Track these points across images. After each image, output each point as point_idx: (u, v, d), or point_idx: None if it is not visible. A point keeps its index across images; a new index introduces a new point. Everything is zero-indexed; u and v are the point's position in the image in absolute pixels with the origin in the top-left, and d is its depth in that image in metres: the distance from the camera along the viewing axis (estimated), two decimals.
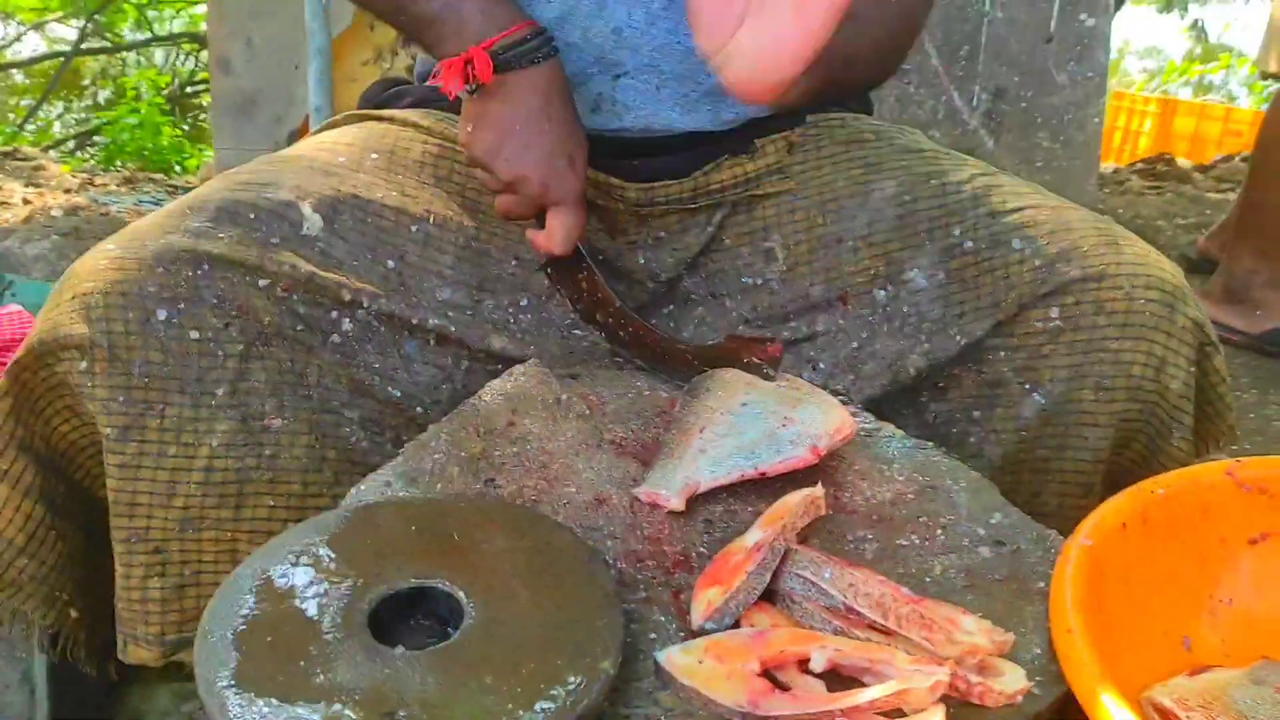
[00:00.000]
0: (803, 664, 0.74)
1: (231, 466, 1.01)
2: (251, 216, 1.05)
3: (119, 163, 5.55)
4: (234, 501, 1.02)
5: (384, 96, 1.29)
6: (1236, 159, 3.96)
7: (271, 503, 1.04)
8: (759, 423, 0.97)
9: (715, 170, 1.17)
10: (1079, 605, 0.79)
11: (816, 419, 0.96)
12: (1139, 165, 4.06)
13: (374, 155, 1.15)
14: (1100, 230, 1.09)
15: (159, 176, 4.21)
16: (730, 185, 1.17)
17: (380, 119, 1.21)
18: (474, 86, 1.02)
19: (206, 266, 1.01)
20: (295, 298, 1.04)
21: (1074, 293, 1.06)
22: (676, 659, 0.74)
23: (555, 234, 1.08)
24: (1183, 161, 4.18)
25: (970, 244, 1.12)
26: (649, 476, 0.94)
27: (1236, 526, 0.92)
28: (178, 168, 6.17)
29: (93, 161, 5.83)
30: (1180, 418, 1.07)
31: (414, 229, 1.12)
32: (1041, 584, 0.84)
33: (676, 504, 0.91)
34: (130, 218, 2.84)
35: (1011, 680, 0.74)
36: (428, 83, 1.11)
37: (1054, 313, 1.07)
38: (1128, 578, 0.86)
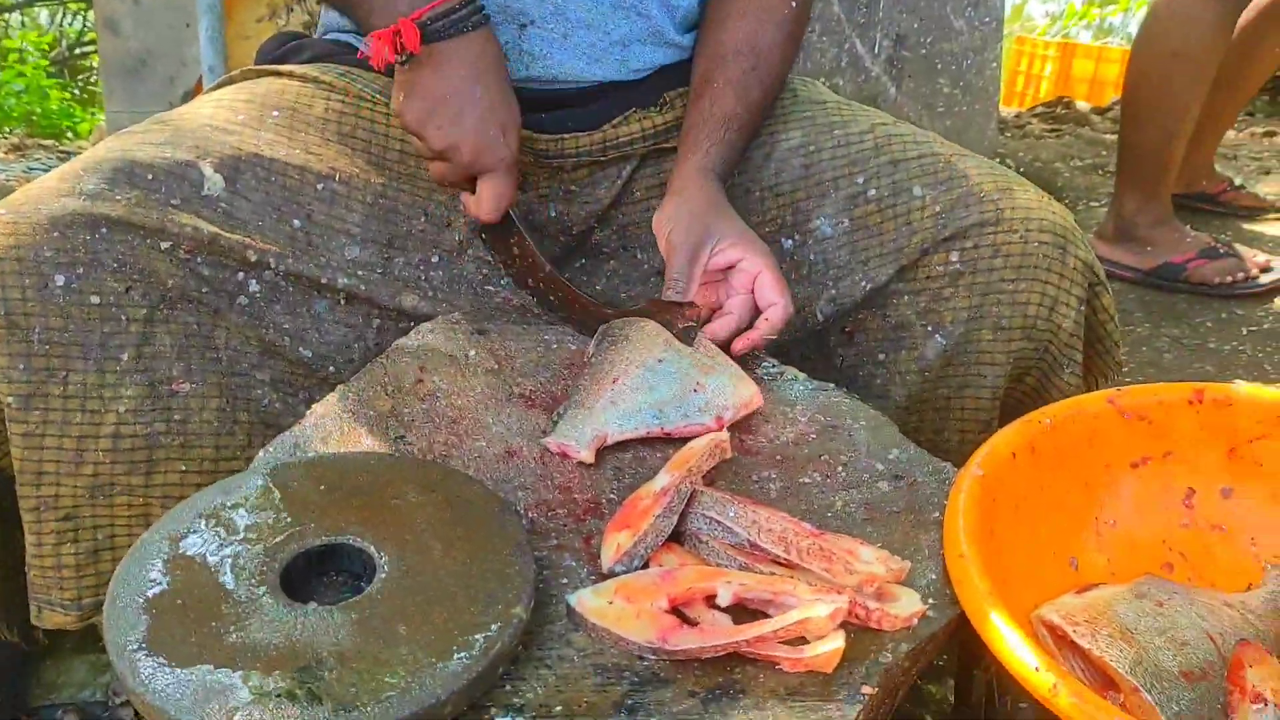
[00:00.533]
0: (710, 600, 0.76)
1: (140, 432, 1.00)
2: (149, 177, 1.02)
3: (6, 129, 5.33)
4: (144, 467, 1.01)
5: (281, 52, 1.26)
6: None
7: (184, 467, 1.03)
8: (672, 382, 0.98)
9: (624, 123, 1.18)
10: (971, 532, 0.83)
11: (727, 390, 0.98)
12: (1039, 109, 4.16)
13: (275, 113, 1.13)
14: (996, 176, 1.12)
15: (49, 143, 4.05)
16: (639, 138, 1.18)
17: (279, 74, 1.18)
18: (404, 57, 1.02)
19: (105, 230, 0.98)
20: (199, 260, 1.02)
21: (972, 237, 1.10)
22: (587, 601, 0.76)
23: (485, 201, 1.08)
24: (1081, 104, 4.29)
25: (873, 192, 1.14)
26: (558, 426, 0.96)
27: (1119, 452, 0.97)
28: (70, 134, 5.94)
29: None
30: (1071, 355, 1.12)
31: (319, 187, 1.10)
32: (937, 514, 0.88)
33: (586, 455, 0.93)
34: (19, 184, 2.74)
35: (907, 605, 0.77)
36: (358, 56, 1.10)
37: (954, 257, 1.10)
38: (1018, 504, 0.91)
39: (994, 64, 2.46)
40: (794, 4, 1.18)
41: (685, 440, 0.94)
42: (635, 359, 1.00)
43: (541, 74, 1.16)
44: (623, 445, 0.96)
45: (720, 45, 1.15)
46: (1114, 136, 3.34)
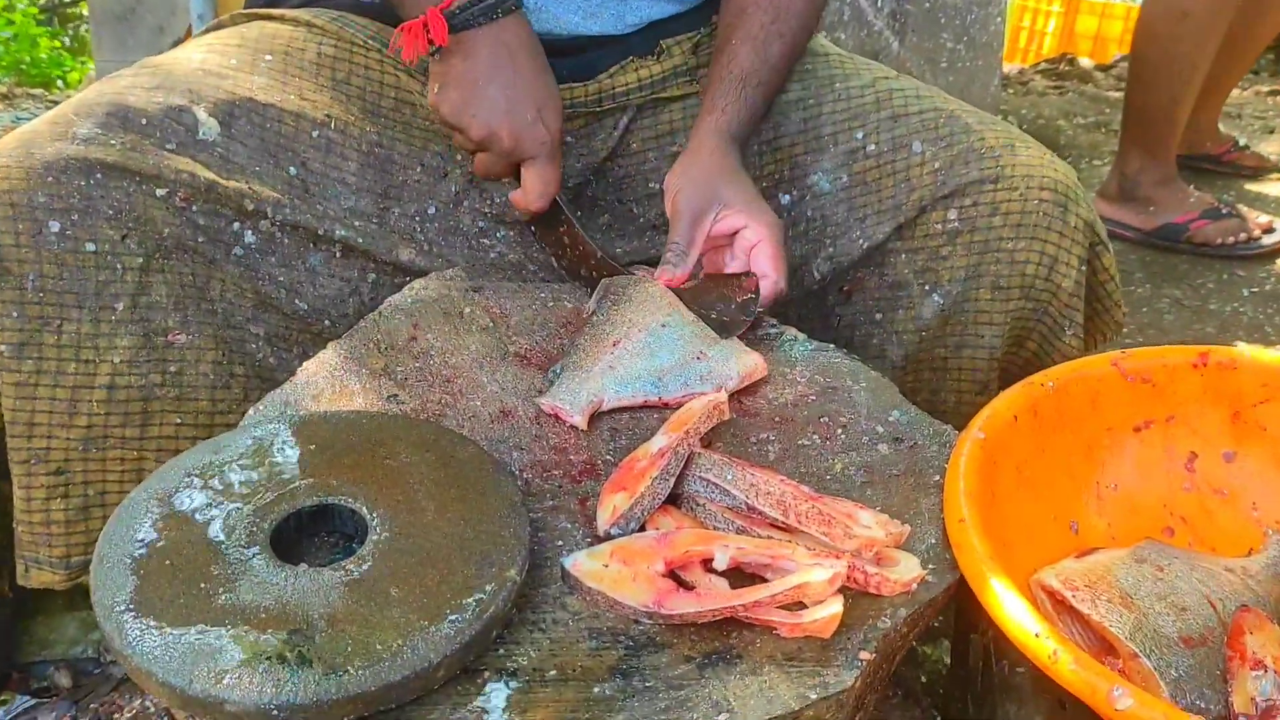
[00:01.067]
0: (707, 564, 0.75)
1: (135, 384, 0.98)
2: (144, 122, 1.00)
3: None
4: (139, 420, 0.99)
5: None
6: None
7: (178, 420, 1.01)
8: (674, 349, 0.96)
9: (620, 73, 1.15)
10: (971, 496, 0.82)
11: (730, 359, 0.96)
12: (1042, 65, 4.10)
13: (268, 57, 1.10)
14: (997, 133, 1.10)
15: (39, 92, 3.98)
16: (636, 88, 1.15)
17: (271, 18, 1.15)
18: (434, 49, 1.00)
19: (100, 175, 0.96)
20: (195, 208, 1.00)
21: (971, 194, 1.08)
22: (583, 564, 0.75)
23: (530, 190, 1.05)
24: (1084, 61, 4.24)
25: (872, 147, 1.12)
26: (553, 387, 0.94)
27: (1122, 415, 0.95)
28: (60, 83, 5.86)
29: None
30: (1072, 315, 1.10)
31: (315, 134, 1.08)
32: (937, 477, 0.87)
33: (579, 421, 0.91)
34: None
35: (906, 569, 0.76)
36: (389, 51, 1.08)
37: (952, 214, 1.09)
38: (1019, 468, 0.90)
39: (998, 19, 2.42)
40: None
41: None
42: (638, 321, 0.98)
43: (537, 28, 1.12)
44: (606, 416, 0.94)
45: (739, 1, 1.12)
46: (1117, 94, 3.31)
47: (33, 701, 1.25)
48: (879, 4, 2.37)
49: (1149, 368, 0.95)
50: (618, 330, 0.98)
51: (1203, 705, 0.76)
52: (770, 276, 1.03)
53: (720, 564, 0.74)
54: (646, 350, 0.96)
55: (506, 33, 1.02)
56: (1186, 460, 0.95)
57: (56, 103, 3.77)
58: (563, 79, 1.13)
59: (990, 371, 1.12)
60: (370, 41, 1.12)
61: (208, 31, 1.19)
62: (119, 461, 1.00)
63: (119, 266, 0.97)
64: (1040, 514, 0.91)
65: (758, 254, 1.03)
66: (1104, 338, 1.18)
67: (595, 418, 0.92)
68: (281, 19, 1.14)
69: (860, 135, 1.13)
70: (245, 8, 1.21)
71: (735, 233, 1.05)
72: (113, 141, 0.97)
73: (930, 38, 2.40)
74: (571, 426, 0.91)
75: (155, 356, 0.99)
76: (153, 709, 1.25)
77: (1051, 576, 0.84)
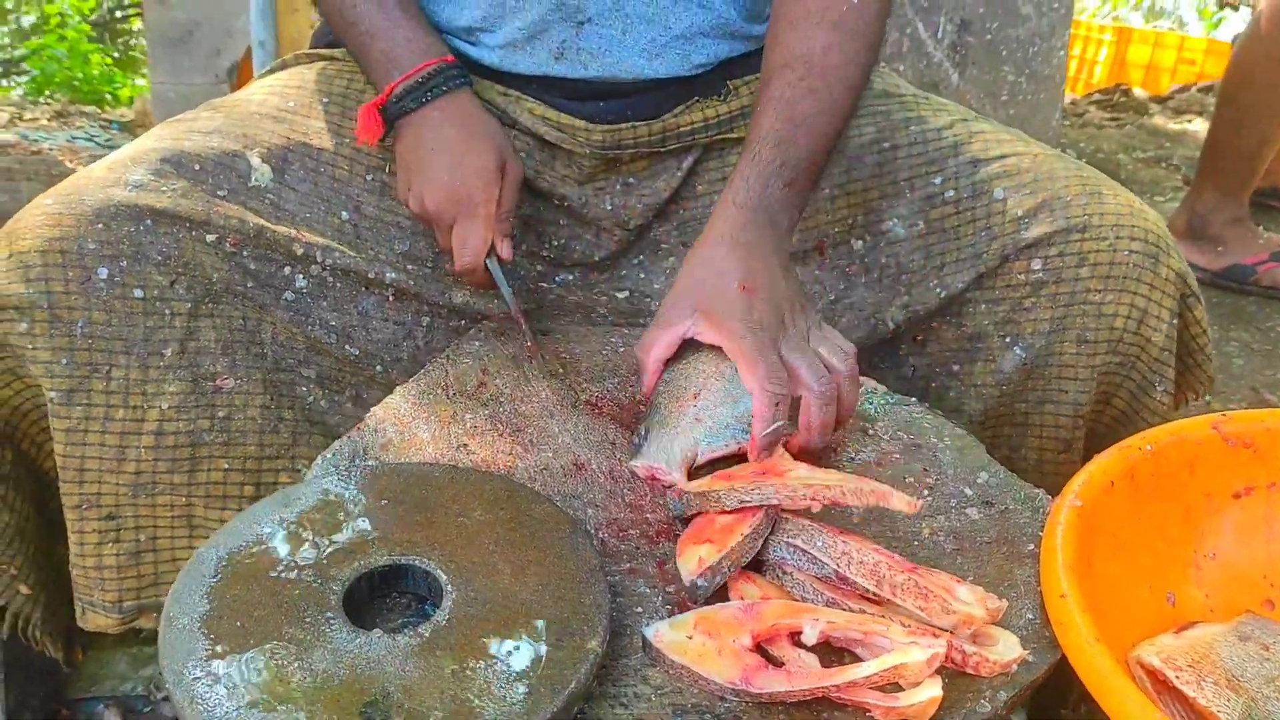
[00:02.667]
0: (794, 637, 0.72)
1: (183, 429, 0.98)
2: (197, 168, 1.00)
3: (48, 94, 5.32)
4: (187, 465, 0.98)
5: (336, 35, 1.22)
6: (1193, 89, 3.95)
7: (226, 465, 1.00)
8: None
9: (685, 112, 1.12)
10: (1070, 568, 0.77)
11: None
12: (1096, 96, 4.05)
13: (325, 100, 1.09)
14: (1084, 179, 1.06)
15: (91, 109, 4.03)
16: (701, 128, 1.12)
17: (333, 59, 1.14)
18: (381, 138, 1.03)
19: (149, 221, 0.96)
20: (245, 253, 0.99)
21: (1057, 244, 1.04)
22: (665, 635, 0.72)
23: (455, 248, 1.02)
24: (1139, 91, 4.18)
25: (951, 193, 1.09)
26: (644, 449, 0.90)
27: (1221, 481, 0.91)
28: (109, 98, 5.93)
29: (20, 93, 5.58)
30: (1162, 370, 1.06)
31: (369, 178, 1.07)
32: (1031, 546, 0.83)
33: (678, 477, 0.87)
34: (63, 156, 2.72)
35: (1006, 649, 0.72)
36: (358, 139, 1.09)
37: (1036, 264, 1.05)
38: (1115, 536, 0.85)
39: (1061, 51, 2.37)
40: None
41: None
42: (711, 370, 0.95)
43: (600, 73, 1.10)
44: (700, 470, 0.91)
45: (767, 66, 1.01)
46: (1177, 127, 3.25)
47: None
48: (939, 35, 2.33)
49: (1250, 431, 0.91)
50: (694, 382, 0.95)
51: None
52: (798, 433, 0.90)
53: (809, 639, 0.71)
54: (729, 397, 0.93)
55: (444, 113, 1.02)
56: None
57: (109, 121, 3.82)
58: (626, 118, 1.11)
59: (1075, 429, 1.07)
60: None
61: (271, 71, 1.18)
62: (168, 507, 0.99)
63: (167, 312, 0.96)
64: (1135, 584, 0.87)
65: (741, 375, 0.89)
66: (1194, 394, 1.13)
67: (691, 475, 0.89)
68: (344, 60, 1.13)
69: (938, 180, 1.10)
70: (310, 46, 1.20)
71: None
72: (164, 188, 0.98)
73: (991, 70, 2.36)
74: (646, 483, 0.88)
75: (203, 402, 0.98)
76: None
77: (1153, 655, 0.80)
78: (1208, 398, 1.20)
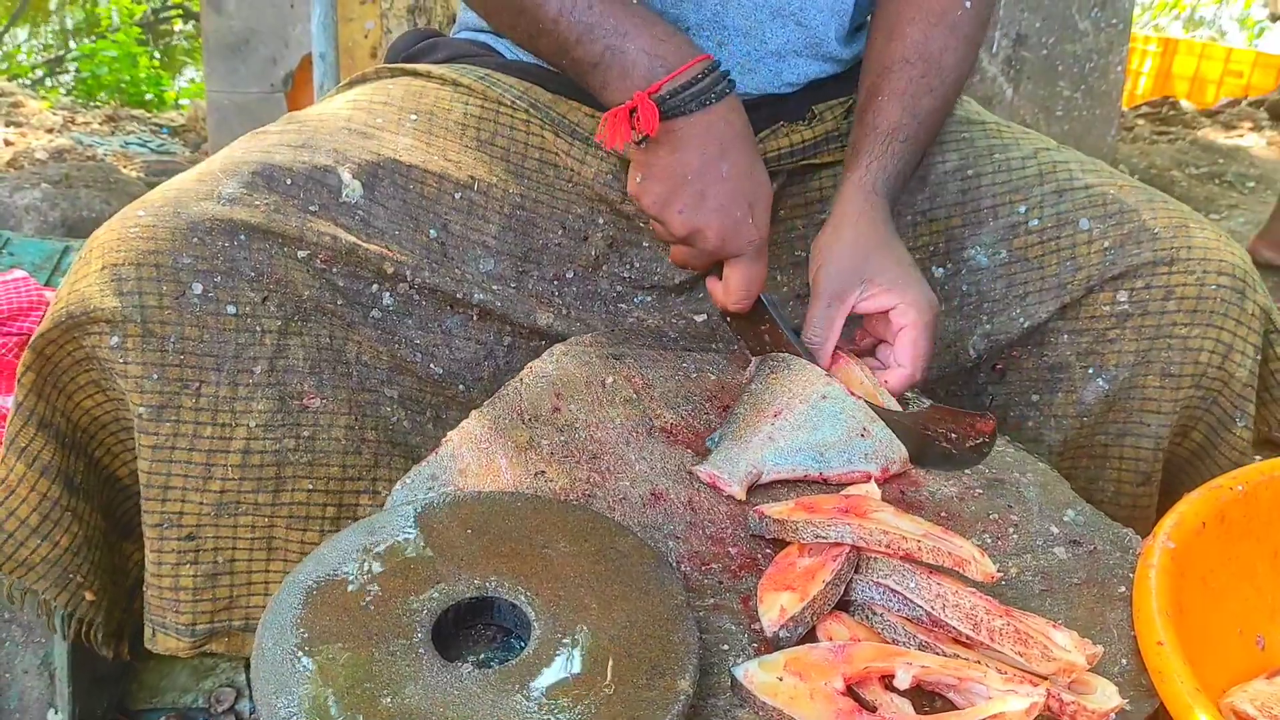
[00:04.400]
0: (886, 680, 0.71)
1: (269, 448, 0.97)
2: (289, 182, 0.99)
3: (100, 96, 5.39)
4: (272, 485, 0.98)
5: (416, 49, 1.22)
6: (1243, 103, 3.91)
7: (310, 486, 0.99)
8: (837, 424, 0.92)
9: (771, 137, 1.11)
10: (1165, 614, 0.76)
11: (894, 441, 0.92)
12: (1144, 109, 4.01)
13: (413, 116, 1.09)
14: (1170, 211, 1.05)
15: (140, 113, 4.08)
16: (788, 153, 1.12)
17: (417, 74, 1.14)
18: (641, 137, 0.93)
19: (243, 237, 0.95)
20: (335, 270, 0.99)
21: (1144, 276, 1.02)
22: (755, 675, 0.71)
23: (733, 290, 0.99)
24: (1186, 104, 4.13)
25: (1036, 222, 1.07)
26: (712, 456, 0.91)
27: None
28: (151, 97, 5.98)
29: (70, 96, 5.65)
30: (1244, 406, 1.04)
31: (457, 196, 1.06)
32: (1122, 588, 0.81)
33: (738, 491, 0.88)
34: (117, 161, 2.75)
35: (1104, 698, 0.71)
36: (596, 139, 1.00)
37: (1122, 296, 1.03)
38: (1206, 578, 0.84)
39: (1118, 67, 2.35)
40: (968, 3, 1.06)
41: (841, 486, 0.89)
42: (799, 392, 0.94)
43: None
44: (769, 488, 0.91)
45: (886, 56, 1.05)
46: (1228, 143, 3.21)
47: None
48: (994, 50, 2.31)
49: None
50: (778, 400, 0.94)
51: None
52: (904, 369, 0.97)
53: (903, 683, 0.70)
54: (809, 423, 0.92)
55: (719, 121, 0.94)
56: None
57: (159, 125, 3.86)
58: None
59: (1155, 462, 1.06)
60: (517, 101, 1.10)
61: (352, 85, 1.18)
62: (249, 529, 0.98)
63: (258, 329, 0.96)
64: (1225, 626, 0.85)
65: (900, 339, 0.97)
66: (1269, 428, 1.11)
67: (752, 491, 0.89)
68: (429, 75, 1.12)
69: (1023, 209, 1.08)
70: (387, 61, 1.20)
71: (885, 313, 0.99)
72: (257, 203, 0.97)
73: (1046, 85, 2.34)
74: (727, 515, 0.87)
75: (290, 421, 0.97)
76: None
77: (1246, 702, 0.78)
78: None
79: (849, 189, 1.02)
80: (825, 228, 1.02)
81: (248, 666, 1.23)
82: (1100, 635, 0.77)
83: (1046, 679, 0.70)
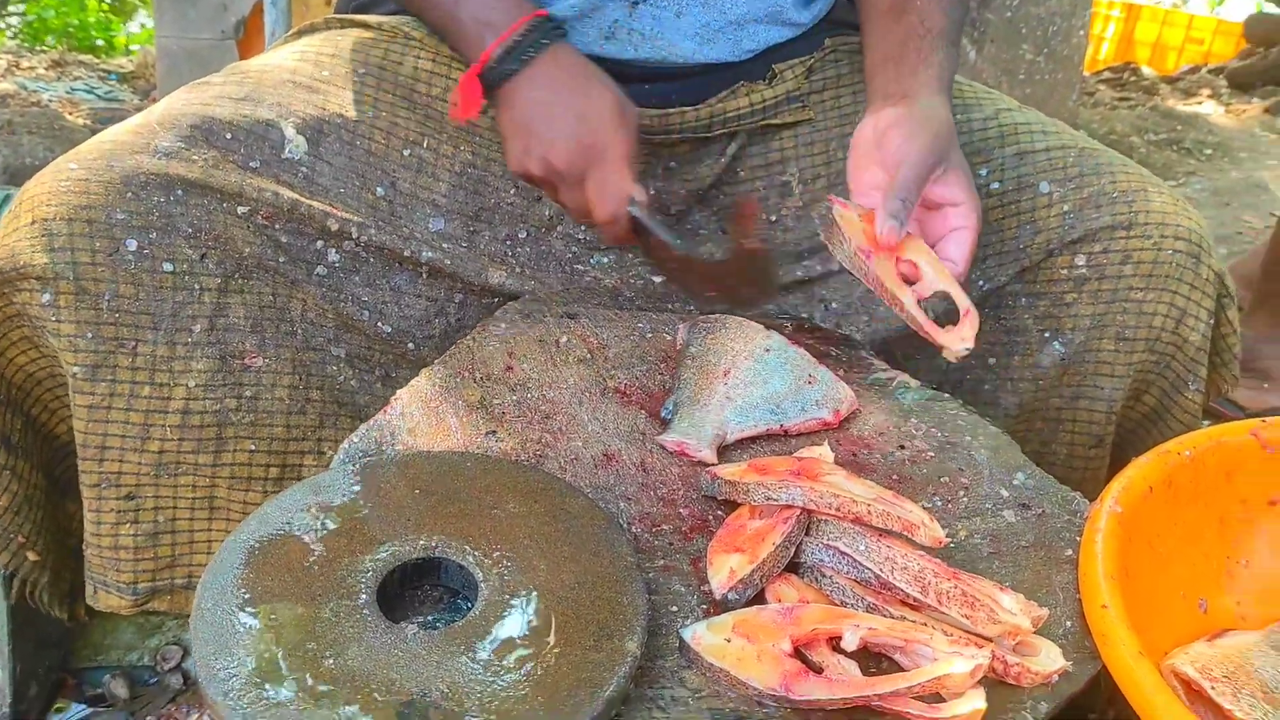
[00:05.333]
0: (834, 642, 0.71)
1: (210, 408, 0.95)
2: (229, 136, 0.96)
3: (46, 40, 5.23)
4: (213, 446, 0.96)
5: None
6: (1203, 70, 3.93)
7: (252, 447, 0.98)
8: (785, 374, 0.93)
9: (731, 97, 1.10)
10: (1111, 578, 0.76)
11: (837, 382, 0.93)
12: (1105, 74, 4.02)
13: (361, 70, 1.06)
14: (1130, 175, 1.05)
15: (88, 59, 3.96)
16: (748, 112, 1.10)
17: (367, 26, 1.11)
18: (485, 107, 0.97)
19: (180, 192, 0.93)
20: (278, 227, 0.97)
21: (1102, 241, 1.02)
22: (704, 638, 0.71)
23: (592, 199, 0.97)
24: (1148, 70, 4.15)
25: (997, 185, 1.07)
26: (674, 424, 0.90)
27: (1258, 488, 0.90)
28: (100, 43, 5.82)
29: (15, 40, 5.48)
30: (1197, 370, 1.05)
31: (406, 153, 1.04)
32: (1069, 551, 0.82)
33: (708, 455, 0.88)
34: (63, 108, 2.67)
35: (1048, 660, 0.72)
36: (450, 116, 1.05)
37: (1080, 260, 1.03)
38: (1152, 542, 0.84)
39: (1081, 31, 2.34)
40: None
41: (799, 436, 0.91)
42: (741, 349, 0.95)
43: (650, 55, 1.07)
44: (730, 447, 0.91)
45: None
46: (1187, 109, 3.23)
47: (89, 711, 1.22)
48: None
49: None
50: (724, 360, 0.95)
51: None
52: (957, 266, 0.92)
53: (849, 645, 0.70)
54: (759, 378, 0.93)
55: (540, 75, 0.97)
56: None
57: (107, 71, 3.76)
58: (671, 102, 1.08)
59: (1108, 425, 1.06)
60: None
61: (300, 35, 1.14)
62: (190, 488, 0.97)
63: (197, 287, 0.94)
64: (1169, 589, 0.86)
65: (954, 240, 0.92)
66: (1219, 392, 1.12)
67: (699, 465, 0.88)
68: (379, 28, 1.09)
69: (984, 172, 1.08)
70: (336, 11, 1.16)
71: (939, 206, 0.93)
72: (194, 157, 0.94)
73: (1009, 48, 2.33)
74: (678, 476, 0.87)
75: (231, 380, 0.96)
76: None
77: (1188, 665, 0.79)
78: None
79: (919, 80, 0.96)
80: (891, 109, 0.95)
81: None
82: (1046, 598, 0.77)
83: (992, 641, 0.71)
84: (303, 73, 1.04)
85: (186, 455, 0.95)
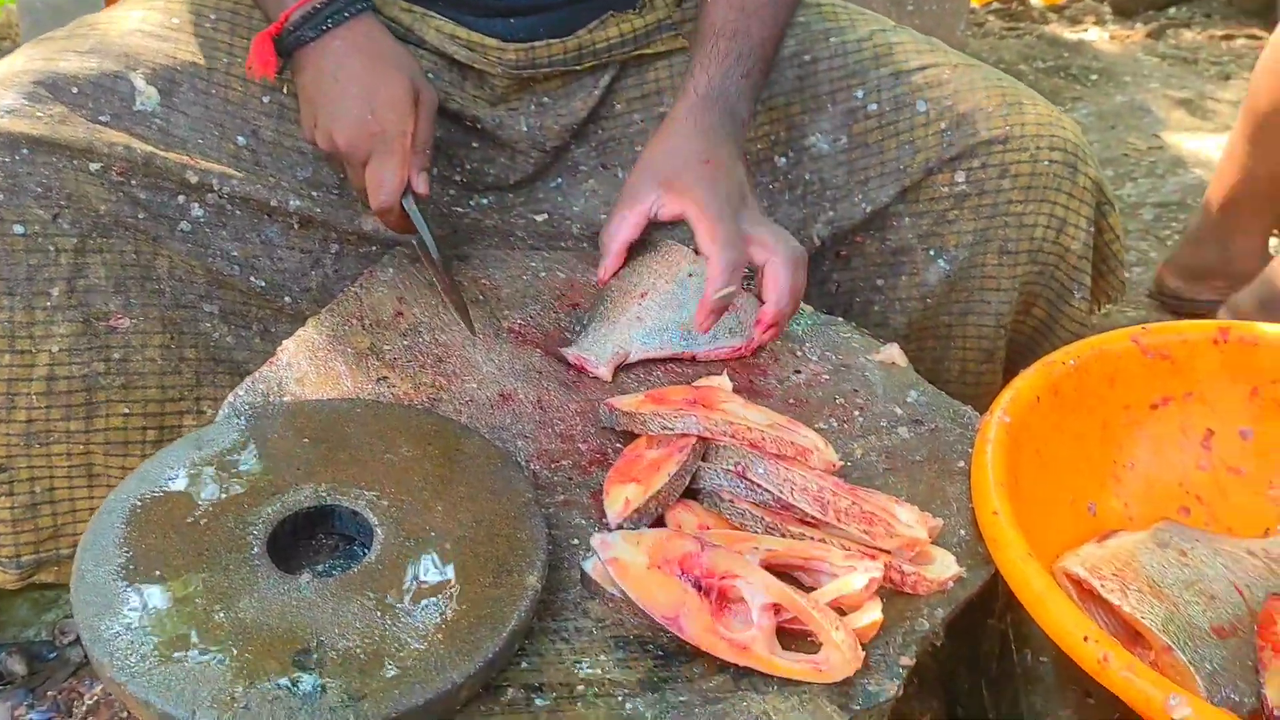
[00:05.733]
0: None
1: (76, 373, 0.92)
2: (75, 91, 0.93)
3: None
4: (83, 411, 0.93)
5: None
6: None
7: (126, 410, 0.95)
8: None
9: (600, 27, 1.07)
10: (1001, 485, 0.78)
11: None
12: (994, 5, 4.07)
13: (212, 16, 1.02)
14: (1003, 90, 1.06)
15: None
16: (618, 43, 1.08)
17: None
18: (278, 71, 0.94)
19: (26, 150, 0.89)
20: (134, 182, 0.93)
21: (980, 156, 1.04)
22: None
23: (370, 185, 0.94)
24: (1036, 0, 4.21)
25: (874, 106, 1.07)
26: (580, 338, 0.91)
27: (1140, 393, 0.93)
28: None
29: None
30: (1080, 278, 1.07)
31: (266, 100, 1.00)
32: (961, 463, 0.84)
33: (604, 373, 0.88)
34: None
35: (943, 567, 0.73)
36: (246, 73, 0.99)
37: (959, 177, 1.04)
38: (1040, 450, 0.87)
39: None
40: None
41: (710, 363, 0.91)
42: (662, 271, 0.94)
43: None
44: (625, 379, 0.90)
45: None
46: (1072, 36, 3.29)
47: None
48: None
49: (1168, 344, 0.92)
50: (644, 280, 0.94)
51: (1237, 699, 0.74)
52: (769, 307, 0.90)
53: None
54: (675, 301, 0.92)
55: (335, 43, 0.93)
56: (1203, 438, 0.93)
57: None
58: (539, 35, 1.06)
59: (998, 339, 1.08)
60: None
61: None
62: (65, 456, 0.94)
63: (51, 249, 0.90)
64: (1058, 495, 0.88)
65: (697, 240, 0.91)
66: (1108, 299, 1.15)
67: (620, 372, 0.90)
68: None
69: (860, 94, 1.08)
70: None
71: (678, 220, 0.93)
72: (39, 114, 0.90)
73: None
74: (577, 412, 0.86)
75: (97, 343, 0.93)
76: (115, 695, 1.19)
77: (1078, 565, 0.81)
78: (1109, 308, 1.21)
79: (679, 97, 0.98)
80: (653, 133, 0.98)
81: None
82: (940, 509, 0.79)
83: (890, 553, 0.72)
84: (151, 21, 1.00)
85: (57, 423, 0.92)
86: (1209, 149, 2.46)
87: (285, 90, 1.02)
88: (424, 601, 0.65)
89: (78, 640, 1.23)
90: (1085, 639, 0.67)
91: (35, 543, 0.94)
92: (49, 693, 1.18)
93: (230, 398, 0.84)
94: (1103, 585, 0.79)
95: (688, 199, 0.90)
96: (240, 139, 0.99)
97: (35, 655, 1.22)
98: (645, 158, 0.95)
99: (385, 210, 0.94)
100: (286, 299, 1.01)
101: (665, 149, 0.95)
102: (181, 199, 0.95)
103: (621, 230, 0.93)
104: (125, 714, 1.05)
